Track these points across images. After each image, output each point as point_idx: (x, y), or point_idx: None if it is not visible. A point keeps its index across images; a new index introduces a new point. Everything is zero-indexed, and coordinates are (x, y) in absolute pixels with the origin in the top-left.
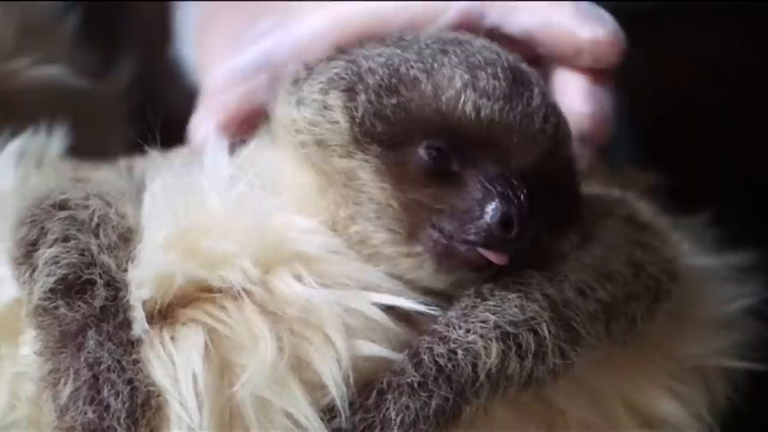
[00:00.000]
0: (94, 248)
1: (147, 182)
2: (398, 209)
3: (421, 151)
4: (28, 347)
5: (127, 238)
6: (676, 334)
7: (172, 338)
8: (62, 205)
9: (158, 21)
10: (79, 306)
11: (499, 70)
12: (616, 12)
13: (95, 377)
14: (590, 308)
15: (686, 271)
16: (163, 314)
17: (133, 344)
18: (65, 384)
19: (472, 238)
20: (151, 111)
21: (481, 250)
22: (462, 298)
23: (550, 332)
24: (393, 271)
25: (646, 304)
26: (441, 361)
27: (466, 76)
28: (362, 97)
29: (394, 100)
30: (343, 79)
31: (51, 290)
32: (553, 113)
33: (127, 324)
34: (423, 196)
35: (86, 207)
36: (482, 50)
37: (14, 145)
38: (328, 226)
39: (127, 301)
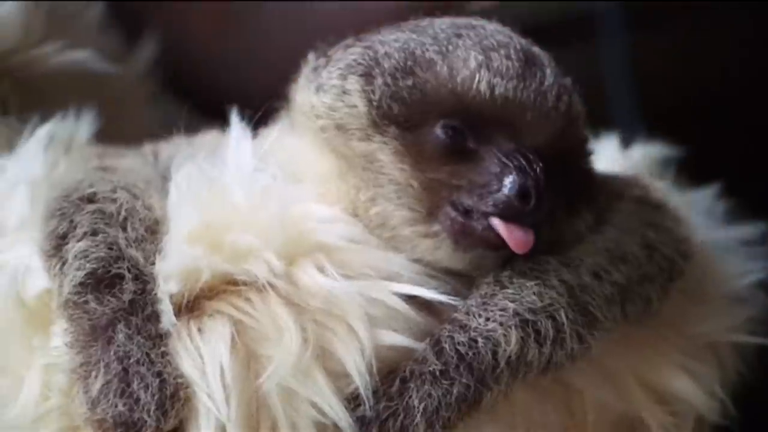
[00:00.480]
0: (122, 242)
1: (172, 172)
2: (418, 189)
3: (438, 131)
4: (59, 338)
5: (154, 230)
6: (689, 311)
7: (200, 330)
8: (90, 198)
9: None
10: (108, 300)
11: (512, 51)
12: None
13: (125, 370)
14: (606, 292)
15: (698, 248)
16: (190, 307)
17: (162, 337)
18: (96, 377)
19: (491, 210)
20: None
21: (499, 228)
22: (481, 285)
23: (568, 318)
24: (413, 254)
25: (661, 284)
26: (462, 349)
27: (480, 57)
28: (379, 80)
29: (410, 82)
30: (360, 64)
31: (81, 284)
32: (565, 92)
33: (155, 317)
34: (442, 174)
35: (114, 200)
36: (495, 33)
37: (43, 131)
38: (350, 212)
39: (155, 294)
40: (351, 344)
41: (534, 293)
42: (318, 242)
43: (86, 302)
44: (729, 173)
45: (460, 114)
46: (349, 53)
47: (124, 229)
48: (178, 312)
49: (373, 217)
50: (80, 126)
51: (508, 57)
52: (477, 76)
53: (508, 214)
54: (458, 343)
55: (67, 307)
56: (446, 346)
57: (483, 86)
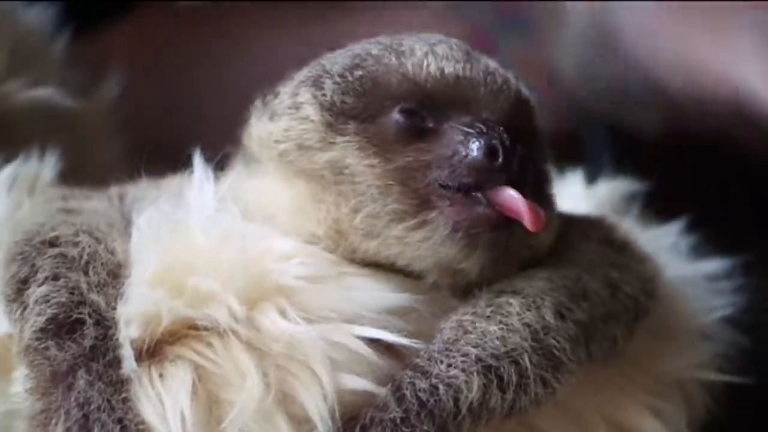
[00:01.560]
0: (84, 286)
1: (134, 215)
2: (396, 181)
3: (396, 115)
4: (19, 385)
5: (116, 273)
6: (655, 349)
7: (161, 376)
8: (52, 242)
9: (143, 36)
10: (69, 346)
11: (453, 44)
12: None
13: (86, 417)
14: (570, 332)
15: (664, 285)
16: (151, 352)
17: (123, 383)
18: (56, 424)
19: (465, 180)
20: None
21: (507, 199)
22: (444, 330)
23: (531, 362)
24: (401, 258)
25: (626, 323)
26: (423, 396)
27: (426, 47)
28: (328, 82)
29: (359, 73)
30: (309, 77)
31: (41, 329)
32: (512, 77)
33: (116, 362)
34: (409, 158)
35: (76, 244)
36: (436, 36)
37: (6, 172)
38: (334, 233)
39: (117, 339)
40: (313, 389)
41: (497, 338)
42: (279, 284)
43: (47, 348)
44: (697, 201)
45: (415, 96)
46: (297, 76)
47: (86, 274)
48: (140, 357)
49: (360, 226)
50: (44, 166)
51: (450, 48)
52: (425, 60)
53: (480, 178)
54: (419, 390)
55: (28, 353)
56: (407, 392)
57: (433, 68)
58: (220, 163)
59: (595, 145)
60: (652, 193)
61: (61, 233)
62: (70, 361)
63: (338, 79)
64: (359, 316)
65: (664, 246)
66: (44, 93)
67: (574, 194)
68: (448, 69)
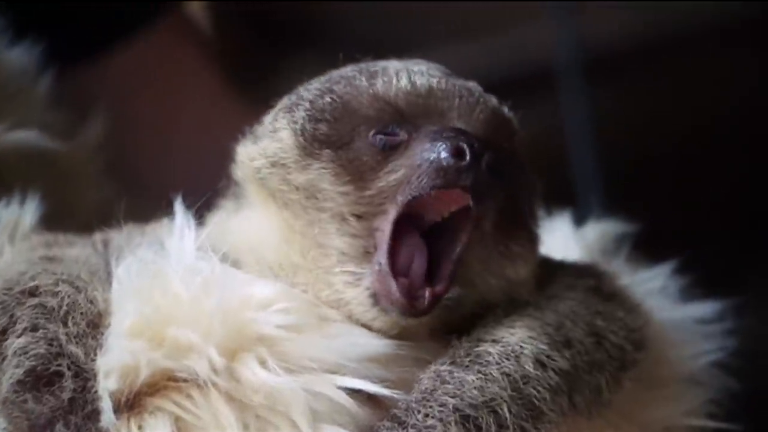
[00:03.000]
0: (63, 338)
1: (113, 264)
2: (355, 220)
3: (370, 138)
4: None
5: (96, 324)
6: (643, 397)
7: (140, 428)
8: (32, 292)
9: (127, 77)
10: (47, 399)
11: (431, 66)
12: (586, 54)
13: None
14: (551, 382)
15: (654, 332)
16: (131, 404)
17: None
18: None
19: (434, 183)
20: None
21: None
22: (422, 380)
23: (510, 412)
24: (342, 310)
25: (611, 373)
26: None
27: (400, 66)
28: (300, 109)
29: (328, 98)
30: (286, 104)
31: (19, 382)
32: (493, 97)
33: (95, 415)
34: (382, 182)
35: (56, 294)
36: (418, 60)
37: None
38: (301, 267)
39: (95, 391)
40: None
41: (475, 387)
42: (258, 334)
43: (24, 401)
44: (687, 243)
45: (387, 115)
46: (278, 104)
47: (66, 324)
48: (119, 409)
49: (314, 261)
50: (25, 211)
51: (427, 66)
52: (395, 77)
53: (447, 178)
54: None
55: (6, 405)
56: None
57: (404, 83)
58: (206, 204)
59: (583, 186)
60: (641, 235)
61: (41, 283)
62: (48, 414)
63: (309, 106)
64: (340, 366)
65: (654, 289)
66: (27, 135)
67: (562, 236)
68: (421, 81)
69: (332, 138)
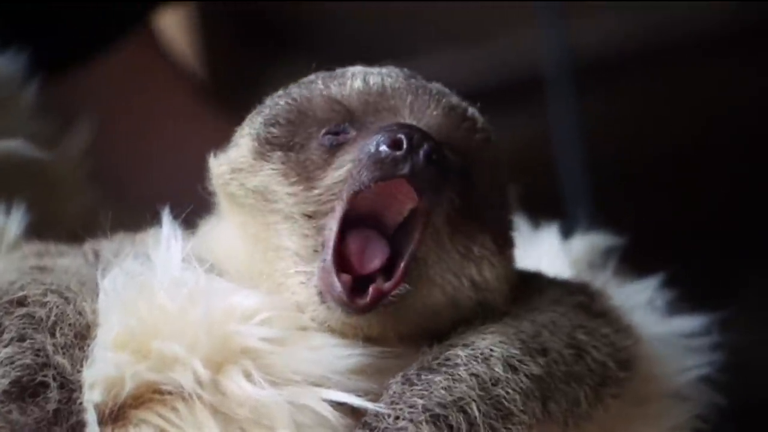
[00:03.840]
0: (50, 348)
1: (100, 275)
2: (304, 219)
3: (320, 138)
4: None
5: (84, 335)
6: (629, 414)
7: None
8: (20, 302)
9: (106, 87)
10: (32, 410)
11: (394, 70)
12: (576, 62)
13: None
14: (522, 385)
15: (640, 356)
16: (115, 416)
17: None
18: None
19: (373, 175)
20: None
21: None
22: (390, 385)
23: (480, 411)
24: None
25: (591, 387)
26: None
27: (358, 69)
28: (260, 115)
29: (283, 102)
30: (252, 114)
31: (4, 392)
32: (456, 97)
33: (80, 427)
34: (328, 179)
35: (44, 304)
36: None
37: None
38: (264, 271)
39: (81, 403)
40: None
41: (443, 388)
42: (243, 347)
43: (9, 412)
44: (674, 256)
45: (339, 116)
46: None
47: (53, 335)
48: (103, 421)
49: (272, 265)
50: (11, 221)
51: (388, 71)
52: (350, 79)
53: (384, 170)
54: None
55: None
56: None
57: (357, 83)
58: (190, 215)
59: (572, 196)
60: (629, 246)
61: (30, 293)
62: (32, 425)
63: (267, 111)
64: (325, 379)
65: (640, 302)
66: (13, 145)
67: (549, 249)
68: (374, 81)
69: (283, 140)
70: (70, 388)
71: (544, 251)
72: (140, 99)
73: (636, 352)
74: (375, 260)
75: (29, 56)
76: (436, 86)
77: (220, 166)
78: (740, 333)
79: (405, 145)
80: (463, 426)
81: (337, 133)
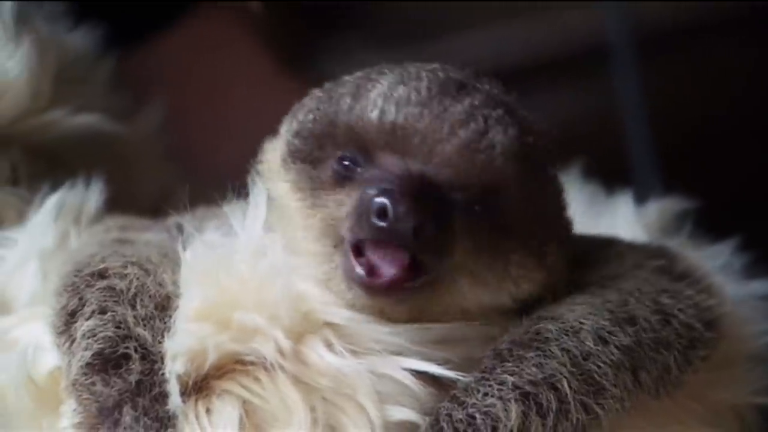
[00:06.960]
0: (131, 320)
1: (180, 250)
2: (317, 227)
3: (333, 162)
4: (67, 419)
5: (164, 306)
6: (712, 377)
7: (208, 411)
8: (101, 274)
9: (180, 60)
10: (115, 381)
11: (424, 83)
12: (635, 32)
13: None
14: (614, 357)
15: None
16: (198, 387)
17: (169, 418)
18: None
19: (366, 234)
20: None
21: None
22: (482, 360)
23: (571, 387)
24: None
25: (680, 351)
26: (460, 427)
27: (384, 89)
28: (294, 121)
29: (312, 116)
30: (295, 108)
31: (88, 365)
32: (488, 125)
33: (162, 397)
34: (328, 209)
35: (124, 276)
36: (421, 70)
37: (52, 201)
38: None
39: (163, 374)
40: (360, 422)
41: (534, 365)
42: (324, 320)
43: (93, 384)
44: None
45: (354, 144)
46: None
47: (134, 307)
48: (186, 392)
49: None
50: (90, 194)
51: (416, 89)
52: (371, 105)
53: (373, 234)
54: (456, 421)
55: (75, 387)
56: (444, 425)
57: (375, 114)
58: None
59: (641, 164)
60: (701, 211)
61: (110, 265)
62: (115, 396)
63: (300, 118)
64: (406, 348)
65: (716, 266)
66: (89, 119)
67: (624, 215)
68: (388, 116)
69: (304, 153)
70: (151, 360)
71: (618, 218)
72: (212, 71)
73: (721, 312)
74: (392, 270)
75: (103, 32)
76: (463, 106)
77: (272, 151)
78: None
79: (390, 214)
80: (554, 404)
81: (348, 163)
